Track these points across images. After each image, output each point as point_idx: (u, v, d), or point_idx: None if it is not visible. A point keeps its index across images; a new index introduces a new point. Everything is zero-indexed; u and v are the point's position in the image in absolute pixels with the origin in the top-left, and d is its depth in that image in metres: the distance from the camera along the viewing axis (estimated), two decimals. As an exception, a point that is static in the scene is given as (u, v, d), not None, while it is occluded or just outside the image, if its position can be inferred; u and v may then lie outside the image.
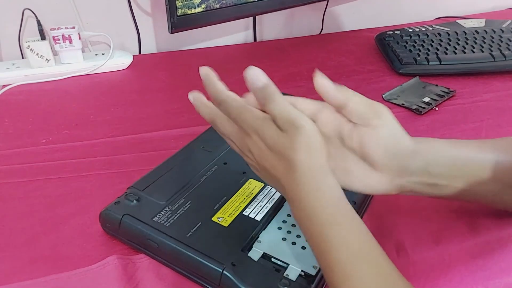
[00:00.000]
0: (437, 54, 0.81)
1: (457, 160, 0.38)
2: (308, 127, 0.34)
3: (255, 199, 0.46)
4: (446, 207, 0.50)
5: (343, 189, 0.36)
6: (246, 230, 0.42)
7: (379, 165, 0.37)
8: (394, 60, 0.82)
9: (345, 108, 0.36)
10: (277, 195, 0.47)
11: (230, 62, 0.86)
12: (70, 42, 0.78)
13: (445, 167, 0.38)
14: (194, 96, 0.41)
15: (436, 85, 0.75)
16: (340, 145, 0.38)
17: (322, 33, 1.05)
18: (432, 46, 0.83)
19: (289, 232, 0.43)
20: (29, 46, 0.76)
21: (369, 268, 0.32)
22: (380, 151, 0.36)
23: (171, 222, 0.43)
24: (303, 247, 0.41)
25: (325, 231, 0.33)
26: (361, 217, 0.47)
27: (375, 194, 0.40)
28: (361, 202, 0.47)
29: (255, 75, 0.35)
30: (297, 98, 0.38)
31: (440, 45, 0.83)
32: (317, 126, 0.35)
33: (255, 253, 0.40)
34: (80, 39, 0.79)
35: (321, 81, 0.36)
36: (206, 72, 0.39)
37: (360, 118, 0.36)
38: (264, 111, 0.36)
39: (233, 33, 0.98)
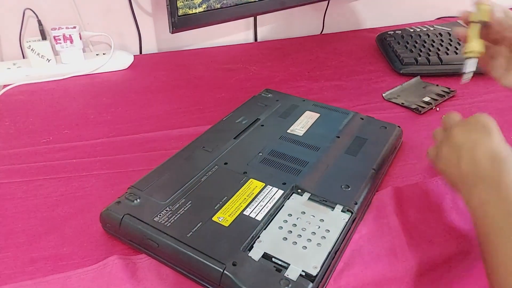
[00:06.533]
0: (438, 54, 0.81)
1: None
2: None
3: (256, 199, 0.46)
4: (446, 207, 0.50)
5: None
6: (247, 229, 0.42)
7: None
8: (395, 60, 0.82)
9: None
10: (278, 194, 0.47)
11: (231, 62, 0.86)
12: (71, 42, 0.78)
13: None
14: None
15: (437, 85, 0.75)
16: None
17: (322, 33, 1.05)
18: (433, 46, 0.83)
19: (290, 231, 0.43)
20: (30, 46, 0.76)
21: None
22: None
23: (171, 222, 0.43)
24: (304, 247, 0.41)
25: None
26: (362, 217, 0.47)
27: None
28: (361, 202, 0.47)
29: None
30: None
31: (441, 45, 0.83)
32: None
33: (255, 253, 0.40)
34: (81, 39, 0.79)
35: None
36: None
37: None
38: None
39: (234, 33, 0.98)
